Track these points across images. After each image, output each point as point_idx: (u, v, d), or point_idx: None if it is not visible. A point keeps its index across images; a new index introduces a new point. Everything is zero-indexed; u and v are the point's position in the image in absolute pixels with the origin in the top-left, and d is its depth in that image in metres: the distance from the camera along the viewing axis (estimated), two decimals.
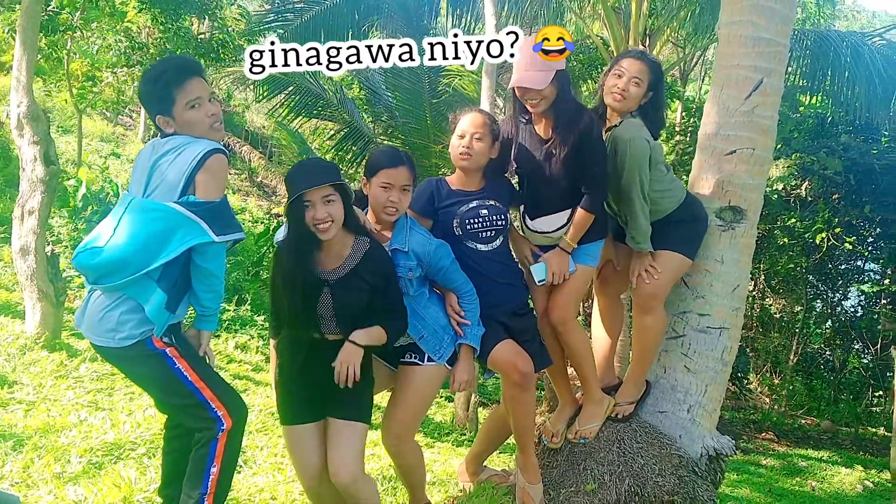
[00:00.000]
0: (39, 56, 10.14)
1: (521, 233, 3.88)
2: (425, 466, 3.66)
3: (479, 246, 3.56)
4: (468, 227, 3.53)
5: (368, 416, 3.24)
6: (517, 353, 3.51)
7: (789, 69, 9.82)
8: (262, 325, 9.49)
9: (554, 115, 3.57)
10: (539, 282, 3.70)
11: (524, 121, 3.68)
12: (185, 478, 2.99)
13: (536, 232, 3.76)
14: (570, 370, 4.04)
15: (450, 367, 3.43)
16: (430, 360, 3.37)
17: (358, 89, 12.94)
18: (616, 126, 3.69)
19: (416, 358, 3.38)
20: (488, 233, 3.55)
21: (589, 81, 11.19)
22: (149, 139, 17.71)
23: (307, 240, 3.03)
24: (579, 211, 3.60)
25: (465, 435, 8.09)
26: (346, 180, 3.23)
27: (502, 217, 3.58)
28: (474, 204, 3.55)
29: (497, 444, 4.24)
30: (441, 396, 10.01)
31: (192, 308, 3.07)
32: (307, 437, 3.19)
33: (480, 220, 3.54)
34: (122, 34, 12.49)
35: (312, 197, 2.96)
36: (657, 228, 3.75)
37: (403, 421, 3.42)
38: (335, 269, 3.10)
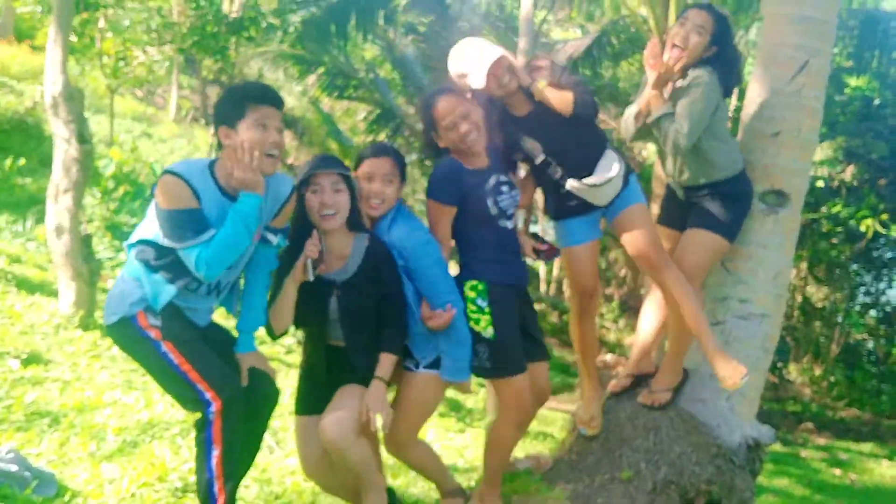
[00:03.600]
0: (72, 35, 10.15)
1: (582, 195, 3.50)
2: (438, 457, 3.55)
3: (507, 224, 3.33)
4: (500, 204, 3.27)
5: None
6: (527, 391, 3.33)
7: (835, 49, 9.59)
8: None
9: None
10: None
11: (496, 108, 3.43)
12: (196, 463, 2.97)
13: (596, 186, 3.43)
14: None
15: (448, 379, 3.21)
16: (426, 367, 3.19)
17: (391, 69, 12.80)
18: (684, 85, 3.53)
19: (411, 364, 3.21)
20: (512, 208, 3.34)
21: (630, 59, 10.97)
22: (180, 120, 17.94)
23: (308, 235, 2.98)
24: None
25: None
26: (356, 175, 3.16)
27: (515, 189, 3.37)
28: (493, 181, 3.27)
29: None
30: (474, 381, 9.95)
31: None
32: (314, 428, 3.11)
33: (504, 196, 3.28)
34: (154, 12, 12.51)
35: (322, 181, 2.95)
36: (704, 199, 3.67)
37: (402, 430, 3.22)
38: (340, 271, 3.05)
